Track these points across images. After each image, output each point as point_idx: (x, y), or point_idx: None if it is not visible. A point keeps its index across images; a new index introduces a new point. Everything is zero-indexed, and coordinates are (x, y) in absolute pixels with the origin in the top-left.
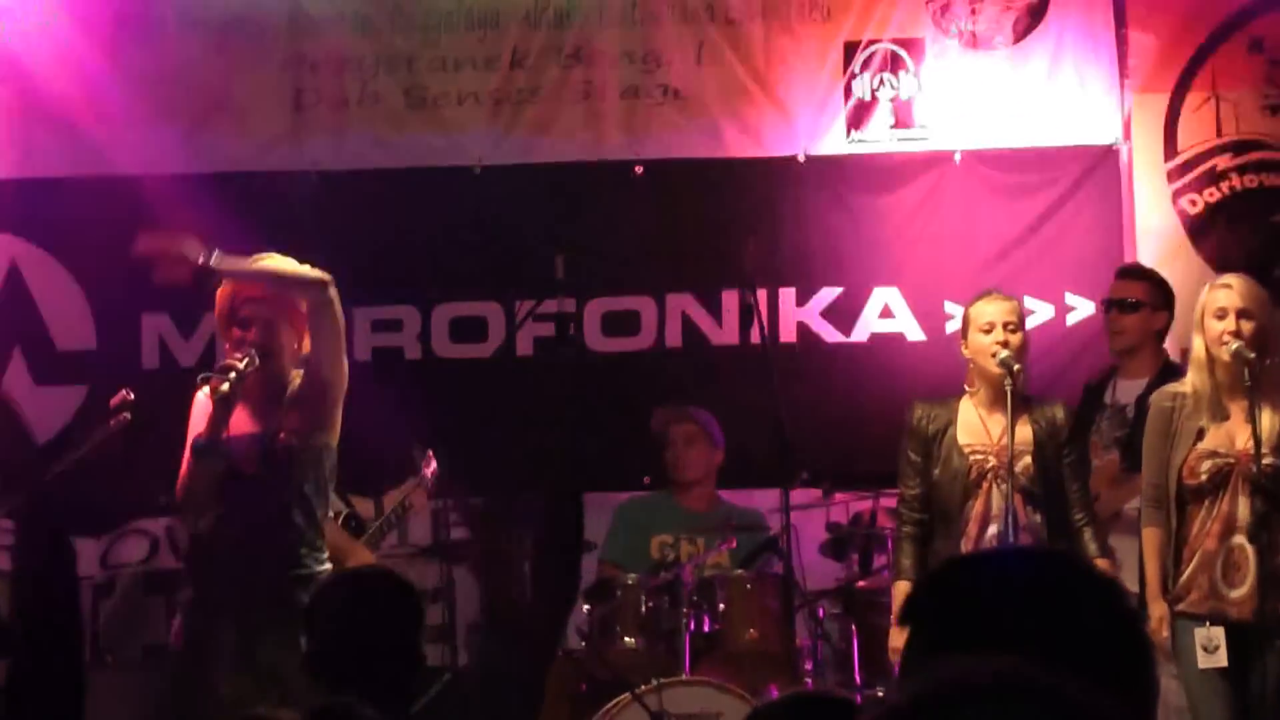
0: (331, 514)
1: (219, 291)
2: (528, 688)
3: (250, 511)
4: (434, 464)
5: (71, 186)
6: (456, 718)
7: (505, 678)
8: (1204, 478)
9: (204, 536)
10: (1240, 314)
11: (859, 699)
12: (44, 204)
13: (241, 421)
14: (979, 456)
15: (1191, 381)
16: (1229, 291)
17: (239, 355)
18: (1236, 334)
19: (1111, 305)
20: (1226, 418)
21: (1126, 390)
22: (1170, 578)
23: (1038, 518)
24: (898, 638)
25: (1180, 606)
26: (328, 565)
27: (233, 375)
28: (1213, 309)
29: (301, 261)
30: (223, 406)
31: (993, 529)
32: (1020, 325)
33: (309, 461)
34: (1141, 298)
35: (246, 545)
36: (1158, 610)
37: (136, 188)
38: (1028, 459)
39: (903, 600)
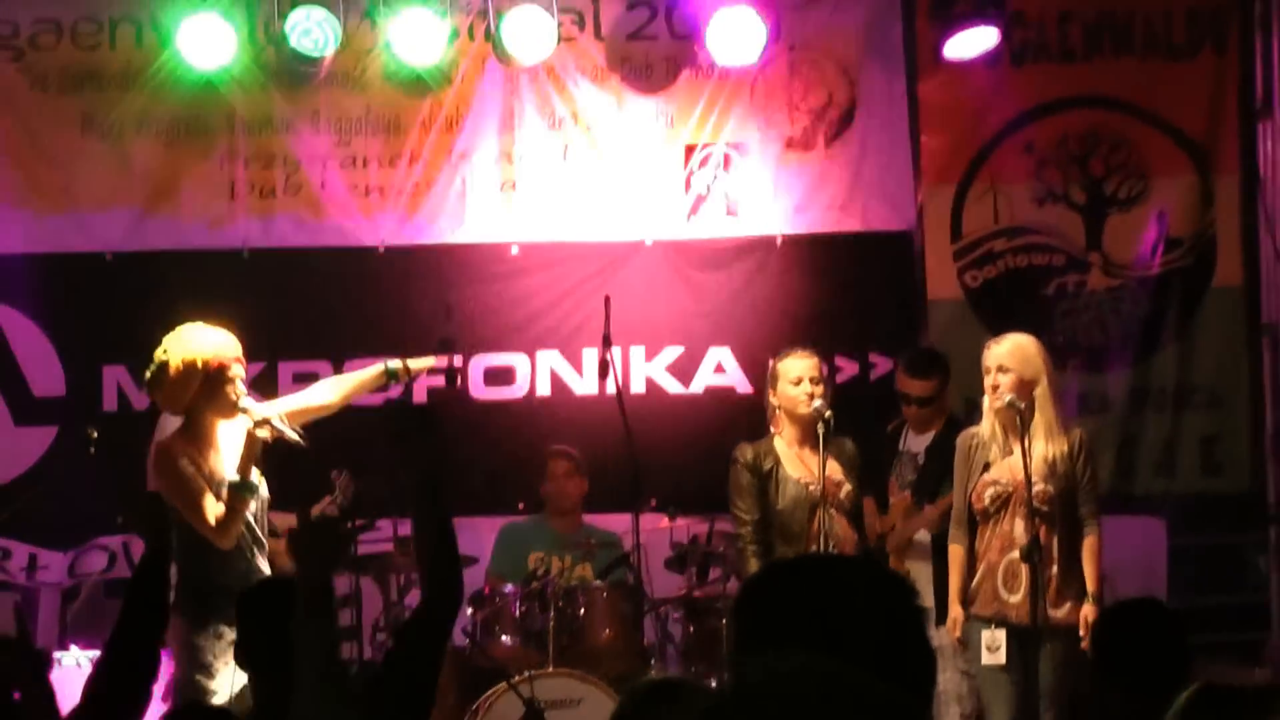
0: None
1: (215, 349)
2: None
3: (251, 543)
4: (349, 483)
5: (44, 260)
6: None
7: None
8: (987, 502)
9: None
10: (999, 369)
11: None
12: (24, 275)
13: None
14: (813, 487)
15: (983, 424)
16: (989, 351)
17: (264, 420)
18: (995, 387)
19: (910, 401)
20: (1011, 453)
21: (916, 441)
22: (967, 586)
23: (857, 535)
24: None
25: (972, 609)
26: None
27: (287, 433)
28: (984, 365)
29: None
30: (254, 450)
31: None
32: (822, 378)
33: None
34: (932, 393)
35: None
36: (954, 613)
37: (99, 262)
38: (848, 486)
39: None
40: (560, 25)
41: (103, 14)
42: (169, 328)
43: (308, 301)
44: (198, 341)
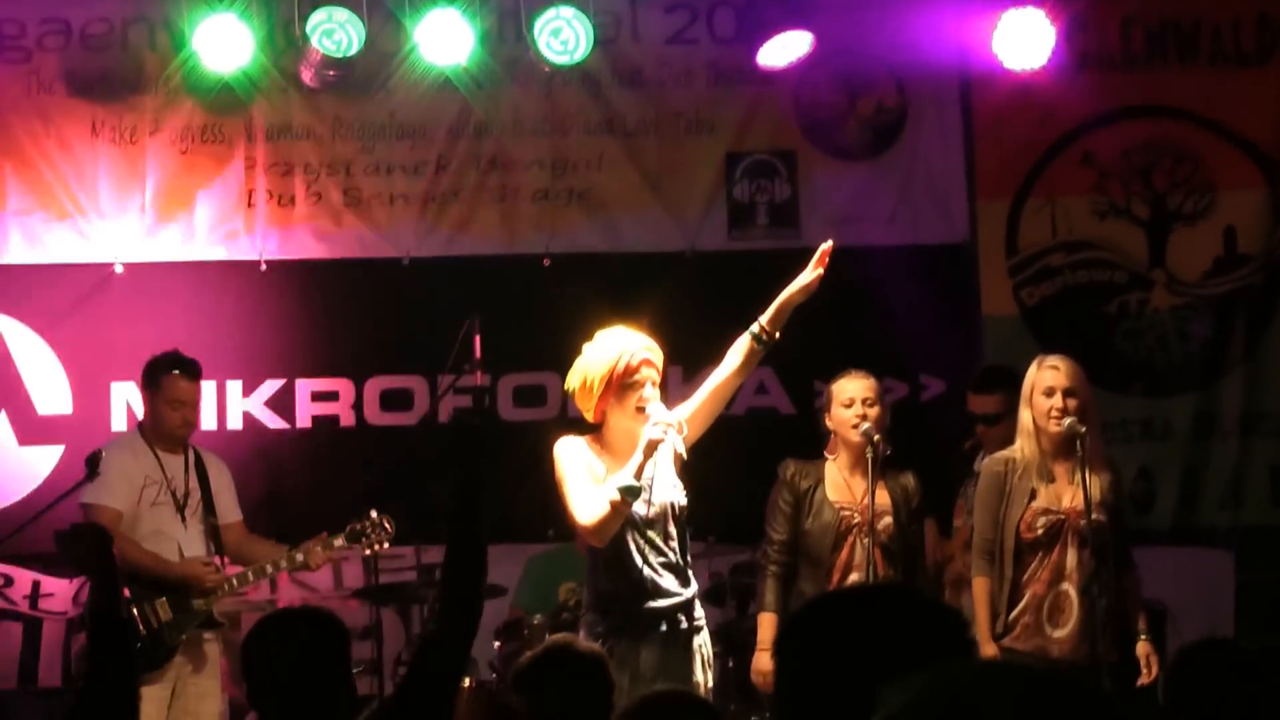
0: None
1: (622, 352)
2: None
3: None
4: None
5: (53, 271)
6: None
7: None
8: (1040, 532)
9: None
10: (1066, 392)
11: None
12: (27, 286)
13: None
14: (846, 512)
15: (1021, 448)
16: (1056, 372)
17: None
18: (1064, 410)
19: (976, 419)
20: (1053, 480)
21: None
22: (1002, 618)
23: (893, 571)
24: (764, 662)
25: (1006, 641)
26: None
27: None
28: (1042, 387)
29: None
30: (649, 453)
31: (854, 576)
32: (877, 400)
33: None
34: (1000, 409)
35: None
36: (988, 651)
37: (109, 273)
38: (888, 519)
39: (772, 635)
40: (597, 28)
41: (114, 14)
42: (181, 343)
43: (328, 316)
44: (606, 347)
